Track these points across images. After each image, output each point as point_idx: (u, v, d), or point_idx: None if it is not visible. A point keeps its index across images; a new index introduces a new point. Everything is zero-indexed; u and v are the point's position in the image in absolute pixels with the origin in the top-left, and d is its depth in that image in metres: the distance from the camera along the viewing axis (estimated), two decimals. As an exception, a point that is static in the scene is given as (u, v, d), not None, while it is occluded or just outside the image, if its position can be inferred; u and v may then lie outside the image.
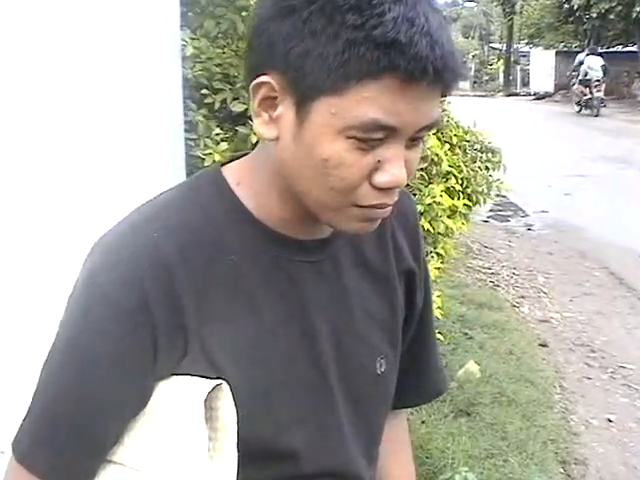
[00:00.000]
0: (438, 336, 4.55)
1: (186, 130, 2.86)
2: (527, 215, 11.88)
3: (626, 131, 21.74)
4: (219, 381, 1.12)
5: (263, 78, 1.10)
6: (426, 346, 1.56)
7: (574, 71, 29.18)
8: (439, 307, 3.63)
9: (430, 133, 3.95)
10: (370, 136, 1.06)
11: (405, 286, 1.41)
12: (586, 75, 27.47)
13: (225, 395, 1.12)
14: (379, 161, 1.08)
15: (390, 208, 1.17)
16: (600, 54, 29.24)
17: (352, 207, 1.13)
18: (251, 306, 1.19)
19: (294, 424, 1.23)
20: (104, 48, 2.28)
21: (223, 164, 1.28)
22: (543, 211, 11.95)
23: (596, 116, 26.25)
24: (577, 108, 28.08)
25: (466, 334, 6.40)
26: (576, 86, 28.28)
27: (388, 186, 1.10)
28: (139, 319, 1.10)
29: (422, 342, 1.54)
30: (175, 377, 1.13)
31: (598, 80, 26.92)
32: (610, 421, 5.36)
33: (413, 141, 1.12)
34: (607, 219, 10.89)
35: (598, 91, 26.89)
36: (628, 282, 8.47)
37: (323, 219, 1.17)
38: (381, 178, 1.09)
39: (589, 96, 27.09)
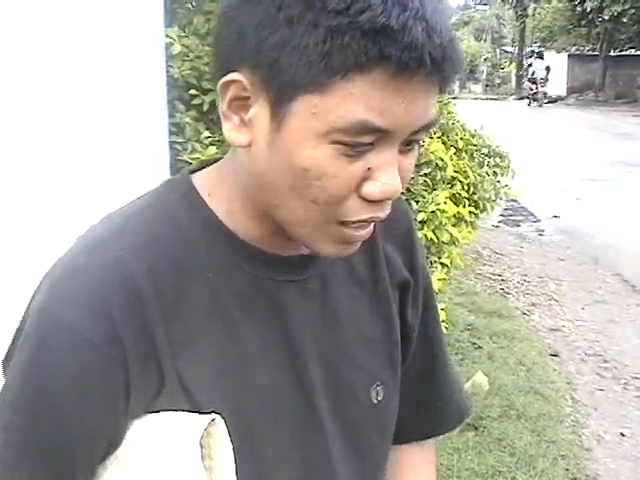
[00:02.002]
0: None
1: (173, 133, 2.75)
2: (538, 220, 11.74)
3: (638, 134, 21.62)
4: (213, 415, 0.99)
5: (232, 75, 0.97)
6: (437, 365, 1.42)
7: (526, 72, 38.11)
8: (444, 321, 3.47)
9: (430, 135, 3.78)
10: (358, 140, 0.93)
11: (400, 300, 1.28)
12: (533, 74, 36.58)
13: (219, 431, 1.00)
14: (369, 169, 0.96)
15: (372, 229, 1.05)
16: (542, 57, 38.92)
17: (334, 224, 1.00)
18: (229, 332, 1.06)
19: (280, 462, 1.10)
20: (79, 47, 2.15)
21: (192, 171, 1.14)
22: (555, 216, 11.81)
23: (540, 106, 34.53)
24: (527, 101, 36.52)
25: (474, 344, 6.25)
26: (526, 83, 37.78)
27: (380, 198, 0.98)
28: (108, 351, 0.96)
29: (432, 362, 1.40)
30: (154, 415, 1.00)
31: (542, 78, 35.87)
32: (623, 435, 5.21)
33: (408, 145, 1.00)
34: (619, 224, 10.76)
35: (542, 86, 35.72)
36: (642, 289, 8.27)
37: (296, 235, 1.04)
38: (372, 189, 0.97)
39: (535, 91, 35.74)
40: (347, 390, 1.18)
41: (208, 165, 1.15)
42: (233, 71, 0.97)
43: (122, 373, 0.96)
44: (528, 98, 36.47)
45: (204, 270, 1.05)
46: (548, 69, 36.83)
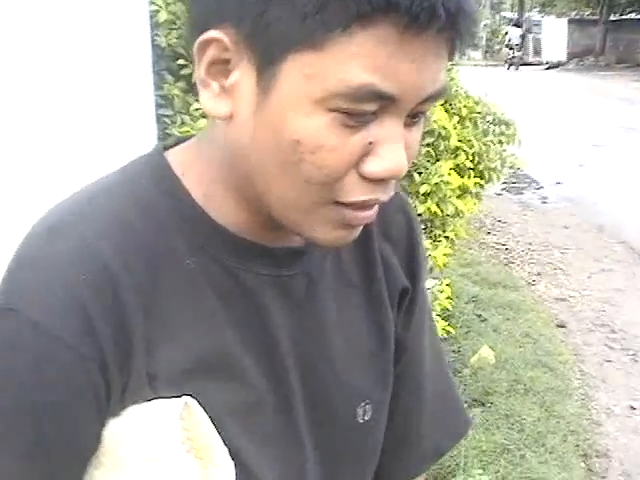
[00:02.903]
0: (449, 327, 4.33)
1: (161, 105, 2.62)
2: (541, 187, 11.60)
3: (638, 98, 21.46)
4: (185, 399, 0.89)
5: (211, 33, 0.84)
6: (432, 381, 1.26)
7: (504, 38, 40.78)
8: (449, 297, 3.36)
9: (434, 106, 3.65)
10: (360, 108, 0.81)
11: (398, 308, 1.15)
12: (510, 41, 39.08)
13: (195, 412, 0.90)
14: (371, 142, 0.83)
15: (375, 211, 0.91)
16: (519, 26, 41.25)
17: (331, 205, 0.87)
18: (207, 327, 0.93)
19: (254, 467, 0.96)
20: (59, 18, 2.02)
21: (167, 147, 0.99)
22: (558, 183, 11.65)
23: (517, 69, 36.71)
24: (506, 66, 38.02)
25: (479, 316, 6.13)
26: (504, 49, 40.19)
27: (383, 177, 0.86)
28: (84, 351, 0.83)
29: (417, 388, 1.24)
30: (129, 409, 0.88)
31: (517, 44, 38.54)
32: (633, 408, 5.13)
33: (414, 118, 0.87)
34: (624, 190, 10.63)
35: (518, 51, 38.37)
36: (648, 257, 8.15)
37: (288, 222, 0.91)
38: (374, 166, 0.84)
39: (512, 56, 38.02)
40: (331, 407, 1.05)
41: (185, 140, 1.01)
42: (212, 29, 0.84)
43: (101, 375, 0.84)
44: (506, 62, 38.73)
45: (179, 257, 0.92)
46: (523, 37, 39.97)
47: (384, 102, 0.81)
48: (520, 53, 39.07)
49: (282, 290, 0.99)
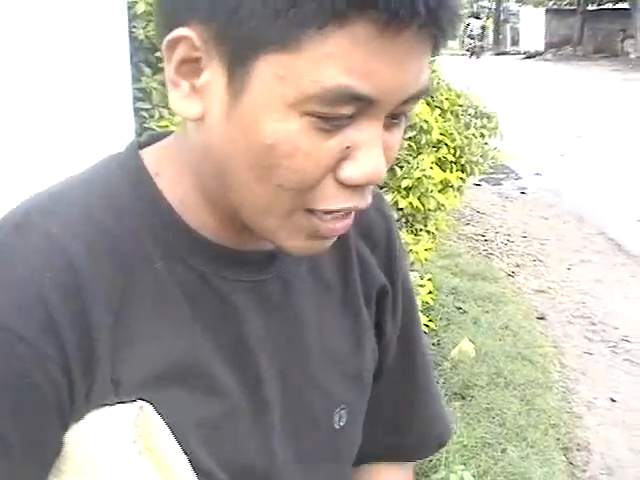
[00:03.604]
0: (430, 323, 4.30)
1: (138, 99, 2.58)
2: (520, 178, 11.59)
3: (618, 88, 21.54)
4: (140, 403, 0.86)
5: (180, 31, 0.80)
6: (416, 385, 1.25)
7: (464, 30, 42.00)
8: (430, 292, 3.33)
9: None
10: (336, 111, 0.77)
11: (377, 309, 1.13)
12: (472, 31, 41.37)
13: (150, 417, 0.87)
14: (348, 147, 0.80)
15: (350, 221, 0.89)
16: (479, 17, 44.70)
17: (304, 213, 0.84)
18: (177, 332, 0.90)
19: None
20: (35, 8, 1.96)
21: (141, 144, 0.97)
22: (537, 174, 11.65)
23: (478, 58, 38.72)
24: (468, 54, 39.92)
25: (459, 308, 6.10)
26: (466, 39, 41.94)
27: (360, 182, 0.82)
28: (47, 350, 0.80)
29: (410, 380, 1.24)
30: (89, 414, 0.86)
31: (477, 34, 41.45)
32: (614, 401, 5.11)
33: (394, 119, 0.84)
34: (604, 181, 10.64)
35: (478, 41, 41.35)
36: (628, 248, 8.21)
37: (259, 228, 0.88)
38: (351, 171, 0.81)
39: (473, 45, 40.60)
40: (307, 414, 1.03)
41: (161, 138, 0.98)
42: (181, 26, 0.80)
43: (63, 376, 0.82)
44: (468, 51, 41.22)
45: (149, 259, 0.89)
46: (483, 28, 44.03)
47: (362, 104, 0.78)
48: (481, 43, 42.47)
49: (256, 295, 0.96)
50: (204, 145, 0.86)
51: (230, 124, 0.81)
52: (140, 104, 2.56)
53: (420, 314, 3.42)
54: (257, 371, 0.96)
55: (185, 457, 0.88)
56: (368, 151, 0.80)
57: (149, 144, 0.97)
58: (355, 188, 0.83)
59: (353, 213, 0.88)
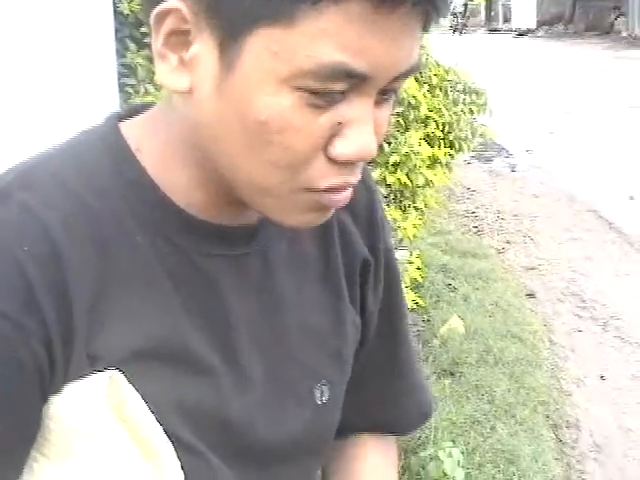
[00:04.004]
0: (418, 299, 4.29)
1: (123, 75, 2.56)
2: (511, 155, 11.57)
3: (609, 66, 21.54)
4: (109, 373, 0.85)
5: (169, 3, 0.79)
6: (398, 359, 1.25)
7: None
8: (419, 268, 3.31)
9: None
10: (329, 87, 0.77)
11: (360, 283, 1.12)
12: (454, 9, 40.49)
13: (121, 387, 0.86)
14: (340, 123, 0.80)
15: (350, 193, 0.88)
16: None
17: (302, 192, 0.84)
18: (159, 305, 0.89)
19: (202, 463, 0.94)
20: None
21: (121, 116, 0.95)
22: (527, 151, 11.62)
23: (460, 34, 36.38)
24: (451, 31, 38.11)
25: (449, 285, 6.10)
26: (448, 16, 41.48)
27: (351, 159, 0.82)
28: (27, 325, 0.79)
29: (392, 354, 1.23)
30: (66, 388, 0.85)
31: (460, 12, 39.46)
32: (603, 378, 5.10)
33: (384, 95, 0.84)
34: (594, 158, 10.63)
35: (461, 19, 39.68)
36: (618, 226, 8.20)
37: (257, 206, 0.88)
38: (342, 148, 0.81)
39: (456, 22, 38.69)
40: (288, 390, 1.03)
41: (141, 111, 0.96)
42: None
43: (45, 350, 0.81)
44: (451, 28, 41.17)
45: (129, 235, 0.88)
46: (465, 5, 44.11)
47: (354, 81, 0.77)
48: (463, 20, 41.91)
49: (237, 270, 0.96)
50: (192, 120, 0.85)
51: (221, 99, 0.80)
52: (125, 80, 2.55)
53: (408, 291, 3.39)
54: (238, 348, 0.95)
55: (160, 427, 0.87)
56: (359, 128, 0.80)
57: (129, 117, 0.95)
58: (346, 164, 0.82)
59: (351, 188, 0.87)
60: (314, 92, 0.77)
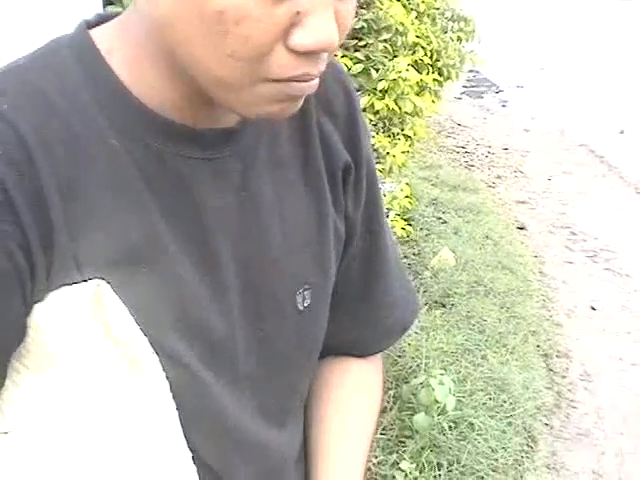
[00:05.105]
0: (407, 227, 4.27)
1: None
2: (502, 91, 11.48)
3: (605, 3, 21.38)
4: (96, 281, 0.84)
5: None
6: (378, 269, 1.22)
7: None
8: (408, 196, 3.29)
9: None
10: None
11: (342, 186, 1.10)
12: None
13: (106, 296, 0.85)
14: (298, 13, 0.77)
15: (317, 82, 0.85)
16: None
17: (264, 83, 0.81)
18: (134, 209, 0.88)
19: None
20: None
21: (90, 24, 0.93)
22: (518, 86, 11.54)
23: None
24: None
25: (439, 219, 6.07)
26: None
27: (312, 49, 0.79)
28: (5, 228, 0.78)
29: (372, 264, 1.21)
30: (49, 295, 0.85)
31: None
32: (593, 309, 5.12)
33: None
34: (585, 93, 10.57)
35: None
36: (609, 160, 8.22)
37: (223, 102, 0.85)
38: (302, 38, 0.78)
39: None
40: (269, 295, 1.02)
41: (110, 18, 0.93)
42: None
43: (24, 255, 0.80)
44: None
45: (102, 138, 0.86)
46: None
47: None
48: None
49: (215, 174, 0.94)
50: (154, 18, 0.82)
51: None
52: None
53: (398, 219, 3.38)
54: (215, 253, 0.94)
55: (145, 337, 0.86)
56: (318, 16, 0.77)
57: (99, 24, 0.93)
58: (308, 55, 0.79)
59: (317, 79, 0.84)
60: None
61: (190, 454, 0.91)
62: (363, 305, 1.22)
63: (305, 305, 1.05)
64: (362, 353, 1.28)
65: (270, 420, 1.07)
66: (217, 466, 0.99)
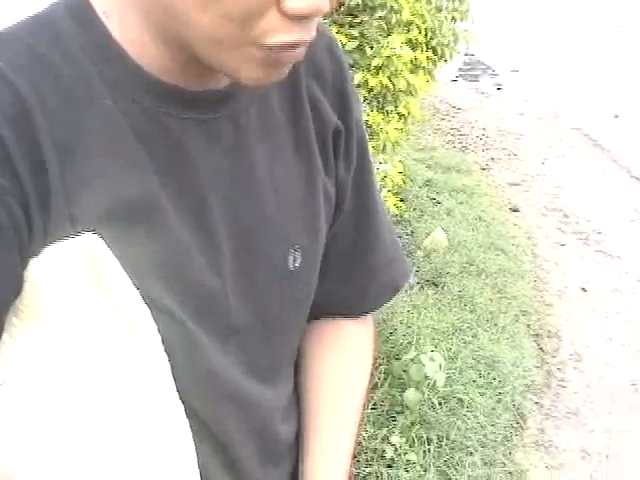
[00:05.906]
0: (400, 204, 4.28)
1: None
2: (497, 74, 11.46)
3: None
4: (88, 235, 0.85)
5: None
6: (369, 232, 1.24)
7: None
8: (401, 172, 3.30)
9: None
10: None
11: (332, 150, 1.11)
12: None
13: (99, 250, 0.86)
14: None
15: (303, 50, 0.86)
16: None
17: (253, 46, 0.81)
18: (130, 169, 0.89)
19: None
20: None
21: None
22: (513, 70, 11.52)
23: None
24: None
25: (433, 199, 6.08)
26: None
27: (304, 13, 0.79)
28: (4, 183, 0.79)
29: (362, 227, 1.23)
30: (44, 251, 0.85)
31: None
32: (584, 290, 5.14)
33: None
34: (580, 77, 10.57)
35: None
36: (602, 143, 8.20)
37: (213, 62, 0.85)
38: (294, 1, 0.77)
39: None
40: (260, 255, 1.03)
41: None
42: None
43: (22, 210, 0.81)
44: None
45: (97, 98, 0.87)
46: None
47: None
48: None
49: (208, 135, 0.95)
50: None
51: None
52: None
53: (390, 196, 3.38)
54: (208, 211, 0.95)
55: (138, 292, 0.87)
56: None
57: None
58: (299, 20, 0.80)
59: (304, 47, 0.85)
60: None
61: (182, 406, 0.92)
62: (356, 265, 1.23)
63: (296, 265, 1.06)
64: (355, 313, 1.30)
65: (259, 377, 1.08)
66: (207, 417, 1.01)
